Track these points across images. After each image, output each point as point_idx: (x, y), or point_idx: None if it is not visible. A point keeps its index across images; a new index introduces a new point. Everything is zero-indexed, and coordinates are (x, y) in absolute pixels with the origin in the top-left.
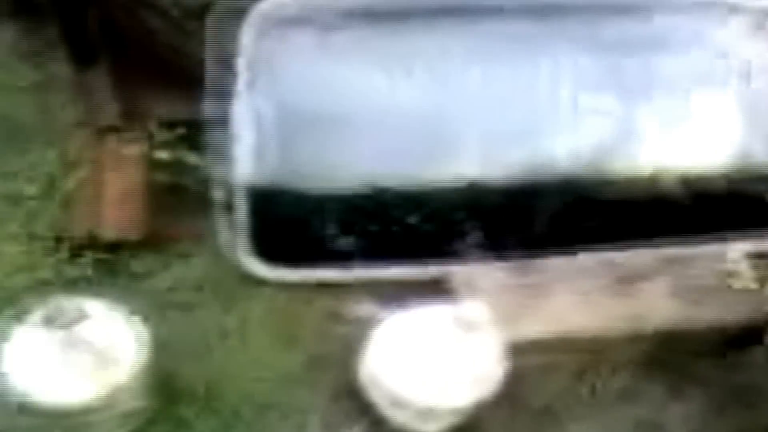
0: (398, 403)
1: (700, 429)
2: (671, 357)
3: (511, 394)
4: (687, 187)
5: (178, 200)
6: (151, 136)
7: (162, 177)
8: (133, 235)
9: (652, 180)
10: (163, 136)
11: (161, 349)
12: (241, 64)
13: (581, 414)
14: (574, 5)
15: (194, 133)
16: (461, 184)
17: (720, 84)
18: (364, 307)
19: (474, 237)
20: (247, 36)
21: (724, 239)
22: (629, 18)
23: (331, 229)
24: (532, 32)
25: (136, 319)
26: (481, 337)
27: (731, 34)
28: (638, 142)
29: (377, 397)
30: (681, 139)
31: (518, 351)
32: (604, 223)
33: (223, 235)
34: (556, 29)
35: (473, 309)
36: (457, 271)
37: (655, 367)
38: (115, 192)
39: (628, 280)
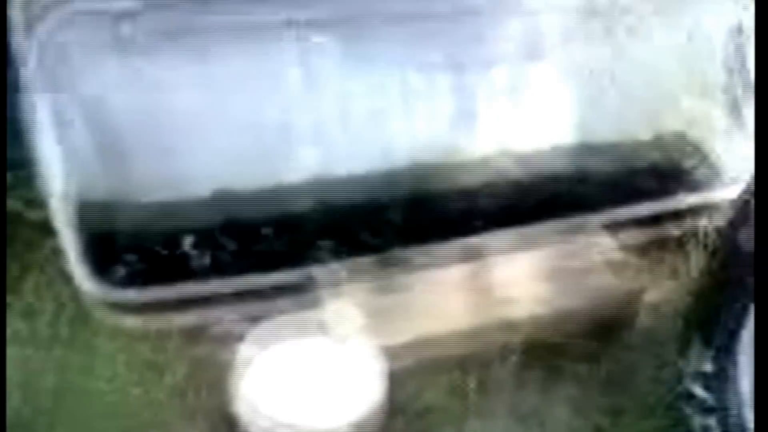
0: (281, 428)
1: (580, 410)
2: (545, 342)
3: (390, 401)
4: (534, 167)
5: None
6: None
7: None
8: None
9: (498, 162)
10: None
11: None
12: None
13: (460, 411)
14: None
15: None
16: (308, 184)
17: (552, 61)
18: (227, 324)
19: (331, 237)
20: (36, 38)
21: (581, 216)
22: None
23: (181, 242)
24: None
25: None
26: (355, 345)
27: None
28: (478, 123)
29: (255, 424)
30: (522, 118)
31: (389, 355)
32: (458, 210)
33: (60, 262)
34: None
35: (341, 316)
36: (319, 275)
37: (531, 354)
38: None
39: (491, 266)
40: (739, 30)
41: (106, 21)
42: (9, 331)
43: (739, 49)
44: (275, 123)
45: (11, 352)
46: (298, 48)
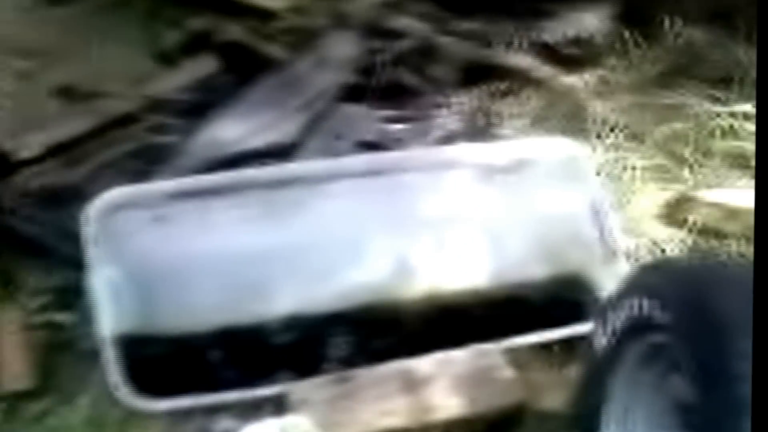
0: None
1: None
2: None
3: None
4: (457, 303)
5: (58, 353)
6: (24, 305)
7: (40, 336)
8: (24, 386)
9: (431, 299)
10: (35, 302)
11: None
12: (89, 241)
13: None
14: (348, 173)
15: (61, 298)
16: (286, 317)
17: (465, 223)
18: (223, 424)
19: (303, 359)
20: (91, 219)
21: (481, 342)
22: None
23: (190, 363)
24: (319, 196)
25: None
26: None
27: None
28: (412, 271)
29: None
30: (445, 267)
31: None
32: (400, 337)
33: (100, 379)
34: (338, 192)
35: (296, 421)
36: (291, 388)
37: None
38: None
39: (415, 382)
40: (597, 204)
41: (138, 203)
42: None
43: (599, 218)
44: (258, 270)
45: None
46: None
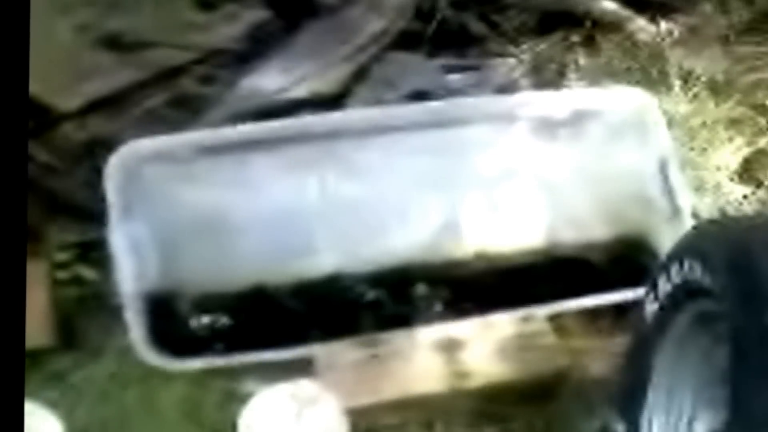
0: None
1: None
2: (495, 408)
3: None
4: (502, 265)
5: (83, 310)
6: (50, 259)
7: (65, 292)
8: (46, 342)
9: (475, 260)
10: (61, 257)
11: None
12: (111, 195)
13: None
14: (397, 125)
15: (88, 253)
16: (324, 276)
17: (522, 179)
18: (249, 386)
19: (337, 321)
20: (113, 171)
21: (532, 306)
22: (440, 130)
23: (216, 322)
24: (358, 150)
25: (55, 412)
26: (319, 410)
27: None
28: (462, 230)
29: None
30: (498, 225)
31: (359, 416)
32: (440, 299)
33: (126, 336)
34: (381, 145)
35: (310, 385)
36: (319, 350)
37: (482, 418)
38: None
39: (453, 347)
40: (664, 160)
41: (163, 155)
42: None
43: (665, 175)
44: (299, 227)
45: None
46: (317, 158)
